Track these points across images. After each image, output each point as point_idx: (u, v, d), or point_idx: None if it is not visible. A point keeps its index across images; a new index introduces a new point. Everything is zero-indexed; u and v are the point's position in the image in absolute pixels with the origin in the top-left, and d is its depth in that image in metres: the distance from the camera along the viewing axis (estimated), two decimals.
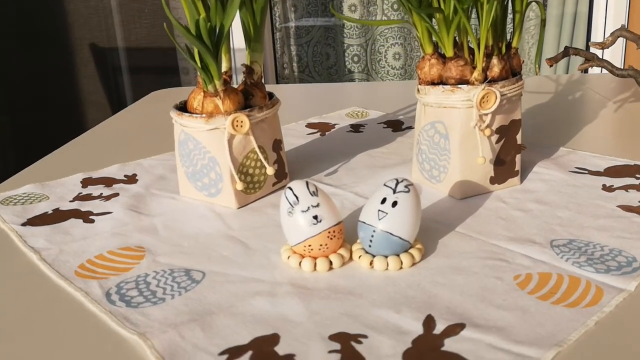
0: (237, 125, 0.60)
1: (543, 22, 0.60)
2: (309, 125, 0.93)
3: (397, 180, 0.50)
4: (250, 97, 0.64)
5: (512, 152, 0.64)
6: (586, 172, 0.68)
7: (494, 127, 0.61)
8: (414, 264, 0.50)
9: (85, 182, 0.73)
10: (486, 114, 0.60)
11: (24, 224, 0.61)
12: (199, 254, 0.54)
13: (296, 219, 0.49)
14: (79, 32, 2.43)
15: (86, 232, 0.59)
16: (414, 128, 0.89)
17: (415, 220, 0.50)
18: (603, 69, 0.85)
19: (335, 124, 0.93)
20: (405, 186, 0.50)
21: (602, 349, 0.39)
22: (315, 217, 0.49)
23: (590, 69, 0.74)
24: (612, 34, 0.78)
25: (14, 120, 2.43)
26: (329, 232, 0.50)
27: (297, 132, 0.90)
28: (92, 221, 0.62)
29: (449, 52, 0.60)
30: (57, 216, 0.63)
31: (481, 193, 0.63)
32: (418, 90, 0.64)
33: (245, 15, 0.62)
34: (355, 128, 0.91)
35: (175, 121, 0.63)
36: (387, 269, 0.49)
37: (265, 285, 0.48)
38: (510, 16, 0.61)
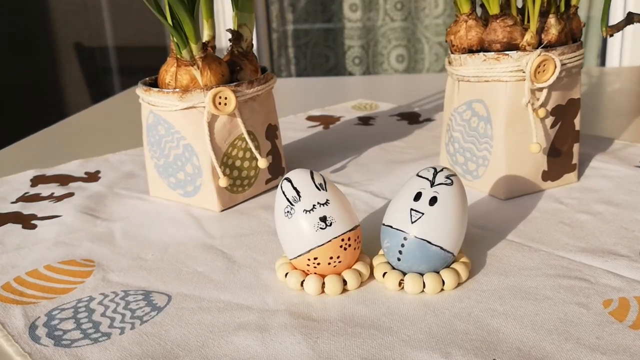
0: (219, 103, 0.47)
1: None
2: (310, 118, 0.80)
3: (434, 169, 0.36)
4: (237, 69, 0.50)
5: (569, 141, 0.50)
6: None
7: (549, 107, 0.48)
8: (459, 285, 0.36)
9: (36, 180, 0.59)
10: (541, 89, 0.47)
11: None
12: (166, 270, 0.40)
13: (297, 221, 0.36)
14: (65, 31, 2.30)
15: (23, 240, 0.45)
16: (434, 120, 0.75)
17: (461, 224, 0.36)
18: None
19: (340, 117, 0.80)
20: (447, 176, 0.36)
21: None
22: (324, 220, 0.35)
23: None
24: None
25: None
26: (342, 240, 0.36)
27: (296, 126, 0.76)
28: (34, 226, 0.48)
29: (494, 9, 0.46)
30: None
31: (531, 192, 0.50)
32: (449, 61, 0.51)
33: None
34: (365, 121, 0.77)
35: (142, 100, 0.49)
36: (422, 291, 0.36)
37: (253, 315, 0.34)
38: None
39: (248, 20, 0.51)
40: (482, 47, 0.48)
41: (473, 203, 0.49)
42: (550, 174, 0.50)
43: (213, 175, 0.48)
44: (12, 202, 0.53)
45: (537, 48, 0.46)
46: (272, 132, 0.53)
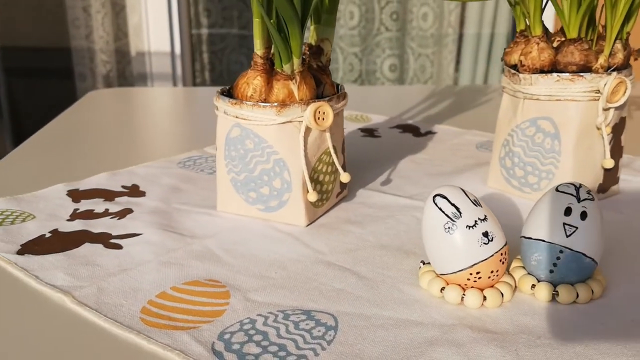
0: (319, 118, 0.46)
1: None
2: None
3: (574, 185, 0.39)
4: (318, 84, 0.50)
5: (617, 156, 0.55)
6: None
7: (611, 125, 0.52)
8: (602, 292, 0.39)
9: (75, 195, 0.55)
10: (610, 108, 0.50)
11: (20, 252, 0.44)
12: (304, 288, 0.39)
13: (459, 237, 0.37)
14: None
15: (121, 261, 0.43)
16: (436, 132, 0.78)
17: (604, 236, 0.39)
18: None
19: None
20: (588, 192, 0.38)
21: None
22: (486, 235, 0.37)
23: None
24: None
25: None
26: (501, 255, 0.37)
27: None
28: (119, 246, 0.45)
29: (573, 33, 0.50)
30: (61, 240, 0.46)
31: None
32: (514, 80, 0.53)
33: None
34: (369, 133, 0.79)
35: (226, 113, 0.48)
36: (575, 300, 0.38)
37: (434, 330, 0.35)
38: None
39: (330, 35, 0.51)
40: (552, 68, 0.52)
41: None
42: (604, 187, 0.54)
43: (303, 189, 0.48)
44: (69, 220, 0.50)
45: (607, 71, 0.50)
46: (344, 146, 0.53)
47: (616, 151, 0.54)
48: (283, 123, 0.46)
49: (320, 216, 0.51)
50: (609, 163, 0.50)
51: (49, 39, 2.21)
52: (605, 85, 0.49)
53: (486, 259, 0.37)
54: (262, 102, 0.47)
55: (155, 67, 2.00)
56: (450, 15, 2.17)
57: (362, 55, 2.20)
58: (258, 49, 0.48)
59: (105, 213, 0.51)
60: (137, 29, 2.04)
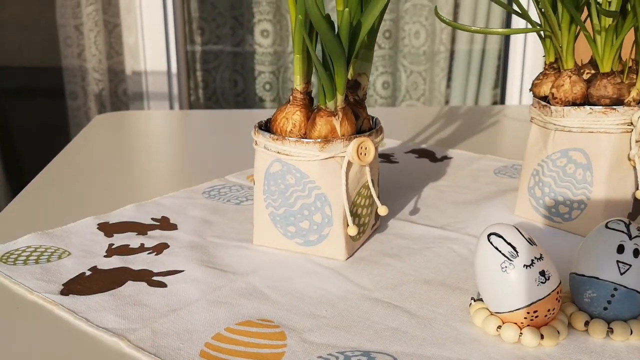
0: (361, 154, 0.47)
1: None
2: None
3: (624, 222, 0.39)
4: (362, 118, 0.50)
5: None
6: None
7: None
8: None
9: (107, 230, 0.55)
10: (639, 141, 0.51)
11: (64, 293, 0.43)
12: (358, 327, 0.39)
13: (516, 276, 0.37)
14: None
15: (168, 300, 0.43)
16: (451, 157, 0.79)
17: None
18: None
19: None
20: (638, 229, 0.39)
21: None
22: (543, 274, 0.37)
23: None
24: None
25: None
26: (557, 293, 0.38)
27: None
28: (163, 284, 0.45)
29: (607, 67, 0.51)
30: (103, 279, 0.46)
31: None
32: (545, 112, 0.54)
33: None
34: (386, 158, 0.79)
35: (266, 148, 0.48)
36: (628, 337, 0.38)
37: None
38: None
39: (367, 69, 0.51)
40: (585, 101, 0.52)
41: (571, 245, 0.52)
42: (633, 215, 0.55)
43: (343, 223, 0.48)
44: (105, 256, 0.50)
45: (638, 103, 0.51)
46: (378, 178, 0.53)
47: None
48: (326, 159, 0.47)
49: (358, 249, 0.51)
50: None
51: (40, 58, 2.20)
52: (638, 118, 0.50)
53: (544, 298, 0.37)
54: (302, 137, 0.47)
55: (152, 86, 1.99)
56: (442, 33, 2.19)
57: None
58: (298, 84, 0.48)
59: (142, 248, 0.51)
60: (133, 49, 2.04)
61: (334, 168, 0.47)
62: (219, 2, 2.17)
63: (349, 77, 0.52)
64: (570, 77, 0.52)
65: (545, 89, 0.55)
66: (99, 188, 0.67)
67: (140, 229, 0.55)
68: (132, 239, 0.53)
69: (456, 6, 2.19)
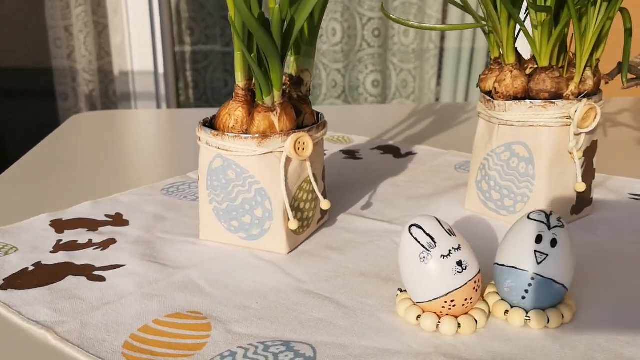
0: (299, 149, 0.48)
1: (629, 32, 0.54)
2: None
3: (545, 213, 0.40)
4: (299, 114, 0.51)
5: (589, 178, 0.56)
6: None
7: (583, 149, 0.53)
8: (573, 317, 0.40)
9: (58, 226, 0.56)
10: (581, 134, 0.52)
11: (3, 287, 0.44)
12: (284, 319, 0.40)
13: (434, 266, 0.38)
14: None
15: (103, 294, 0.44)
16: (416, 153, 0.80)
17: (574, 262, 0.40)
18: None
19: (326, 150, 0.82)
20: (558, 219, 0.40)
21: None
22: (460, 264, 0.38)
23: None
24: None
25: None
26: (475, 282, 0.39)
27: None
28: (102, 279, 0.46)
29: (545, 62, 0.51)
30: (45, 273, 0.47)
31: None
32: (489, 107, 0.55)
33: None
34: (351, 154, 0.80)
35: (207, 144, 0.49)
36: (546, 325, 0.39)
37: (410, 358, 0.36)
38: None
39: (310, 66, 0.52)
40: (525, 95, 0.53)
41: None
42: (576, 208, 0.56)
43: (284, 218, 0.49)
44: (52, 252, 0.50)
45: (577, 97, 0.52)
46: (324, 173, 0.54)
47: (588, 174, 0.56)
48: (264, 154, 0.47)
49: (302, 243, 0.52)
50: (581, 187, 0.51)
51: (30, 59, 2.21)
52: (576, 111, 0.50)
53: (460, 287, 0.38)
54: (244, 133, 0.48)
55: (139, 86, 2.00)
56: (431, 31, 2.19)
57: (345, 71, 2.22)
58: (240, 81, 0.49)
59: (89, 244, 0.52)
60: (120, 49, 2.05)
61: (272, 163, 0.48)
62: (207, 2, 2.18)
63: (293, 73, 0.52)
64: (511, 71, 0.53)
65: (490, 84, 0.56)
66: (64, 186, 0.67)
67: (92, 225, 0.56)
68: (82, 235, 0.54)
69: (445, 4, 2.19)
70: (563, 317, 0.39)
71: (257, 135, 0.47)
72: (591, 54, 0.53)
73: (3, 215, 0.58)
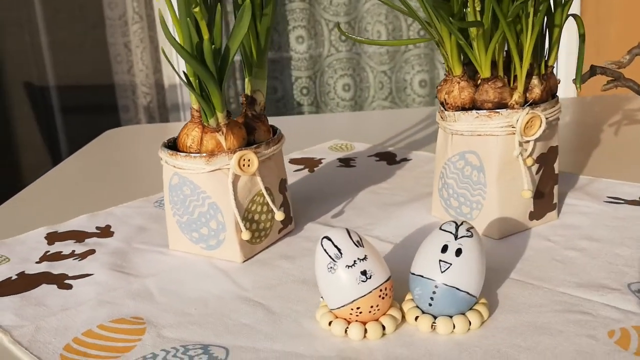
0: (244, 165, 0.51)
1: (582, 37, 0.54)
2: (293, 161, 0.85)
3: (455, 223, 0.42)
4: (253, 131, 0.54)
5: (550, 183, 0.57)
6: (622, 201, 0.61)
7: (534, 156, 0.54)
8: (482, 324, 0.42)
9: (51, 238, 0.61)
10: (528, 141, 0.53)
11: None
12: (214, 324, 0.44)
13: (340, 276, 0.40)
14: (10, 71, 2.27)
15: (65, 301, 0.48)
16: (410, 159, 0.81)
17: (482, 270, 0.41)
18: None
19: (322, 159, 0.85)
20: (468, 229, 0.42)
21: None
22: (364, 273, 0.40)
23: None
24: (629, 51, 0.73)
25: None
26: (380, 290, 0.41)
27: None
28: (70, 286, 0.51)
29: (486, 73, 0.53)
30: (24, 282, 0.52)
31: (520, 230, 0.56)
32: (442, 117, 0.57)
33: (246, 37, 0.53)
34: (346, 162, 0.82)
35: (166, 162, 0.53)
36: (452, 331, 0.41)
37: None
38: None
39: (261, 86, 0.55)
40: (474, 105, 0.54)
41: None
42: (536, 214, 0.57)
43: (236, 229, 0.52)
44: (37, 262, 0.56)
45: (523, 106, 0.53)
46: (283, 185, 0.57)
47: (548, 179, 0.57)
48: (212, 171, 0.51)
49: (260, 252, 0.55)
50: (527, 194, 0.52)
51: (93, 77, 2.34)
52: (517, 120, 0.51)
53: (364, 295, 0.40)
54: (199, 152, 0.52)
55: (187, 97, 2.09)
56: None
57: (391, 72, 2.23)
58: (194, 103, 0.53)
59: (71, 254, 0.57)
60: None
61: (221, 179, 0.51)
62: None
63: (249, 93, 0.56)
64: (459, 83, 0.54)
65: (443, 94, 0.57)
66: (72, 201, 0.74)
67: (81, 237, 0.61)
68: (68, 247, 0.59)
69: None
70: (470, 323, 0.41)
71: (204, 155, 0.51)
72: (540, 63, 0.54)
73: (18, 230, 0.64)
